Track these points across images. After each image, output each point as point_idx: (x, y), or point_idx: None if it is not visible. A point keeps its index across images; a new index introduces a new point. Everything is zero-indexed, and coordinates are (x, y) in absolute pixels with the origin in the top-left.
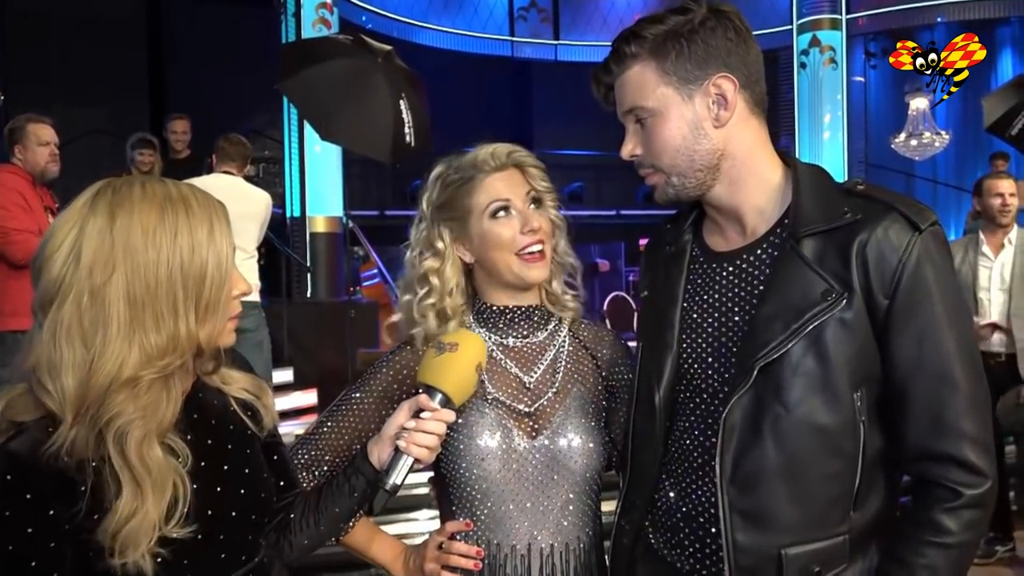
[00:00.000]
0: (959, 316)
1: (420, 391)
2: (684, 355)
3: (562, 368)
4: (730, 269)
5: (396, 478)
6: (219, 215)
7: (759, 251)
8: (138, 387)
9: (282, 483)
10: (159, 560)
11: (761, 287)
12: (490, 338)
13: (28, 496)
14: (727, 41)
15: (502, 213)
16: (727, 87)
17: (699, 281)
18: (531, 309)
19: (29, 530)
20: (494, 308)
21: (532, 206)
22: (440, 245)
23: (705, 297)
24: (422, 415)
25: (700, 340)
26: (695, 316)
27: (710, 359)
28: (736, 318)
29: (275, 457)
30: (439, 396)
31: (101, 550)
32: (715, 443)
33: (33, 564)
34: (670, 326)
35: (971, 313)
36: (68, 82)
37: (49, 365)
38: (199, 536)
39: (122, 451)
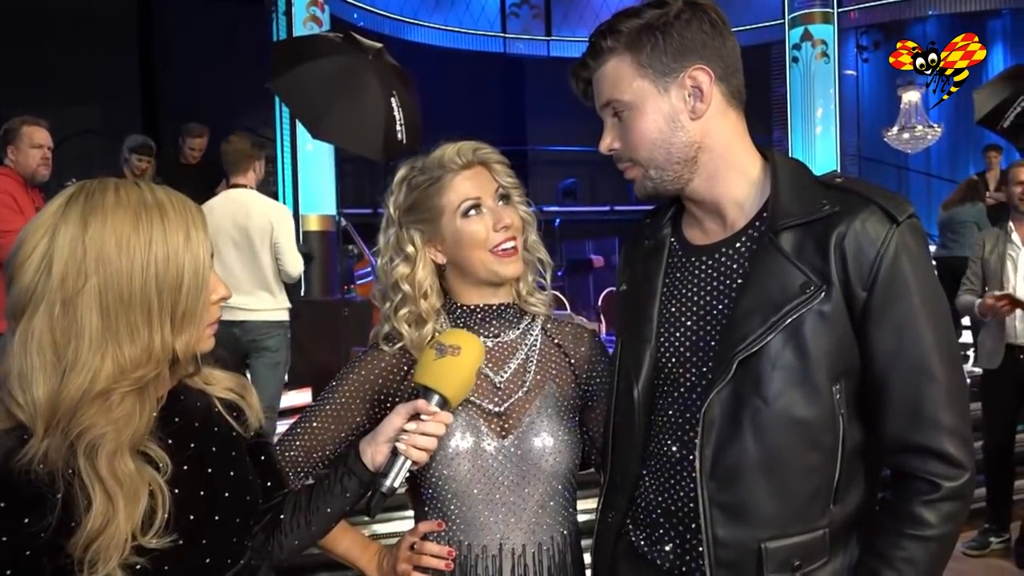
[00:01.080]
0: (937, 308)
1: (417, 393)
2: (662, 349)
3: (533, 367)
4: (709, 263)
5: (394, 481)
6: (196, 220)
7: (738, 244)
8: (110, 400)
9: (269, 484)
10: (138, 568)
11: (740, 280)
12: None
13: (2, 505)
14: (702, 34)
15: (473, 212)
16: (703, 79)
17: (678, 275)
18: (503, 307)
19: (4, 539)
20: (466, 308)
21: (501, 203)
22: (410, 249)
23: (684, 291)
24: (422, 418)
25: (679, 334)
26: (673, 310)
27: (688, 353)
28: (715, 312)
29: (262, 457)
30: (436, 398)
31: (73, 563)
32: (694, 437)
33: (9, 573)
34: (648, 320)
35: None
36: (60, 81)
37: (20, 375)
38: (181, 542)
39: (93, 464)
